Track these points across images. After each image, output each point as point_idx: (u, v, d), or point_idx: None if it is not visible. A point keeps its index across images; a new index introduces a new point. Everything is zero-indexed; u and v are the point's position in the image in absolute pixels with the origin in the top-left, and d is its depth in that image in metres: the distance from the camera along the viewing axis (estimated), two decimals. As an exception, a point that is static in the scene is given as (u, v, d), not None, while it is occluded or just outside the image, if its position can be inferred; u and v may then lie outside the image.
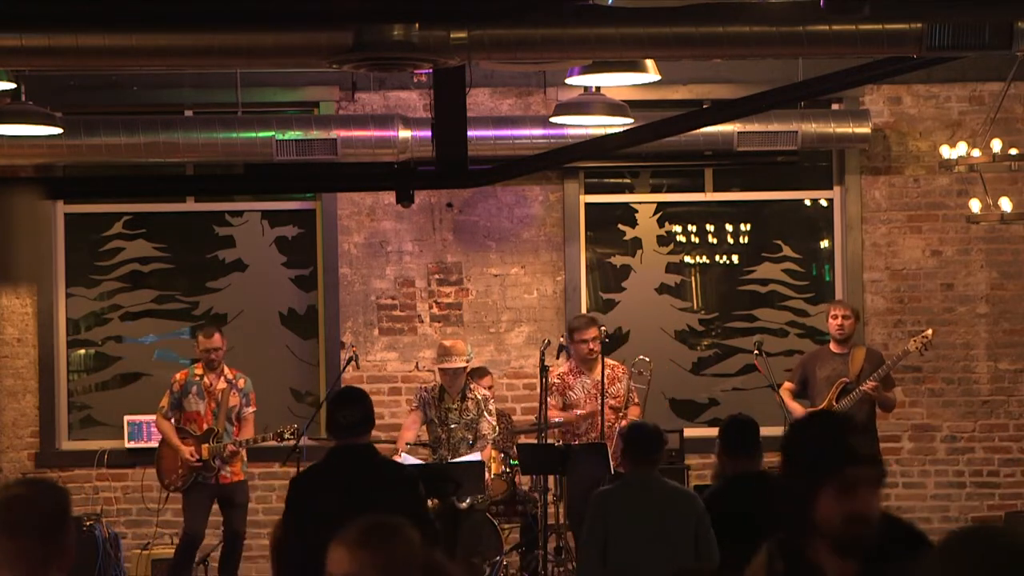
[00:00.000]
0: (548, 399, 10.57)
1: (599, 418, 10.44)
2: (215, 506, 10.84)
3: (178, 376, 10.92)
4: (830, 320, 10.72)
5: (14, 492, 3.65)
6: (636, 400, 10.67)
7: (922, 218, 11.92)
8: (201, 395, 10.78)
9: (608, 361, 10.65)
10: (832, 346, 10.73)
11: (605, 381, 10.47)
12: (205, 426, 10.74)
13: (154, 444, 11.32)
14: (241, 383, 10.88)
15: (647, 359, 10.86)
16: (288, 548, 6.88)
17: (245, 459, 10.90)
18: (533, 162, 9.80)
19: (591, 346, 10.53)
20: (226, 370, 10.88)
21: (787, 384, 10.78)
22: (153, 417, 11.29)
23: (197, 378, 10.82)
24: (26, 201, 7.86)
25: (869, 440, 10.18)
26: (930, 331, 10.78)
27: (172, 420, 10.81)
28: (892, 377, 10.73)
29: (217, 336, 10.82)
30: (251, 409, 10.88)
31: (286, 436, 10.62)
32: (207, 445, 10.67)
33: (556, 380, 10.61)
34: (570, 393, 10.63)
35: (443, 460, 10.25)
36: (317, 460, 7.51)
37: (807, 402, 10.71)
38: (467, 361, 10.53)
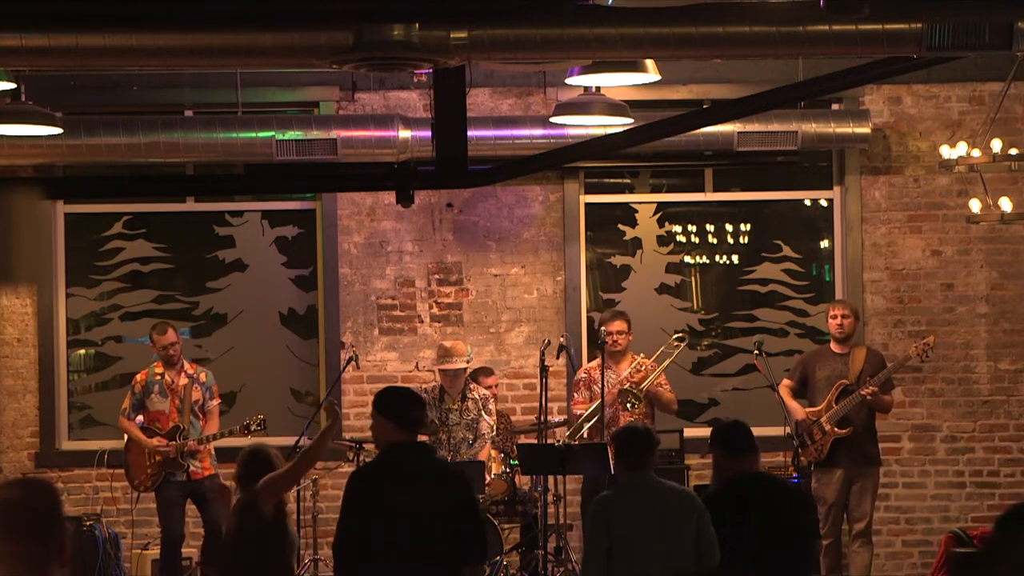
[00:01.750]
0: (575, 394, 10.72)
1: (616, 411, 10.49)
2: (191, 506, 10.82)
3: (139, 377, 10.93)
4: (830, 320, 10.71)
5: (4, 495, 3.62)
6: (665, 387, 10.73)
7: (922, 218, 11.92)
8: (164, 393, 10.79)
9: (635, 357, 10.74)
10: (833, 346, 10.73)
11: (629, 376, 10.55)
12: (171, 424, 10.74)
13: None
14: (203, 377, 10.88)
15: (683, 334, 11.03)
16: (345, 542, 6.82)
17: (213, 453, 10.87)
18: (533, 162, 9.80)
19: (615, 338, 10.63)
20: (186, 365, 10.90)
21: (786, 381, 10.78)
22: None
23: (158, 377, 10.83)
24: (26, 201, 7.85)
25: (868, 439, 9.93)
26: (931, 338, 10.78)
27: (135, 420, 10.82)
28: (891, 379, 10.73)
29: (171, 332, 10.85)
30: (215, 402, 10.90)
31: (252, 428, 10.61)
32: (174, 443, 10.66)
33: (583, 375, 10.77)
34: (595, 387, 10.69)
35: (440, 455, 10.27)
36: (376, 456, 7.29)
37: (805, 401, 10.71)
38: (467, 362, 10.56)
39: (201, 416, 10.84)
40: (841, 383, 10.51)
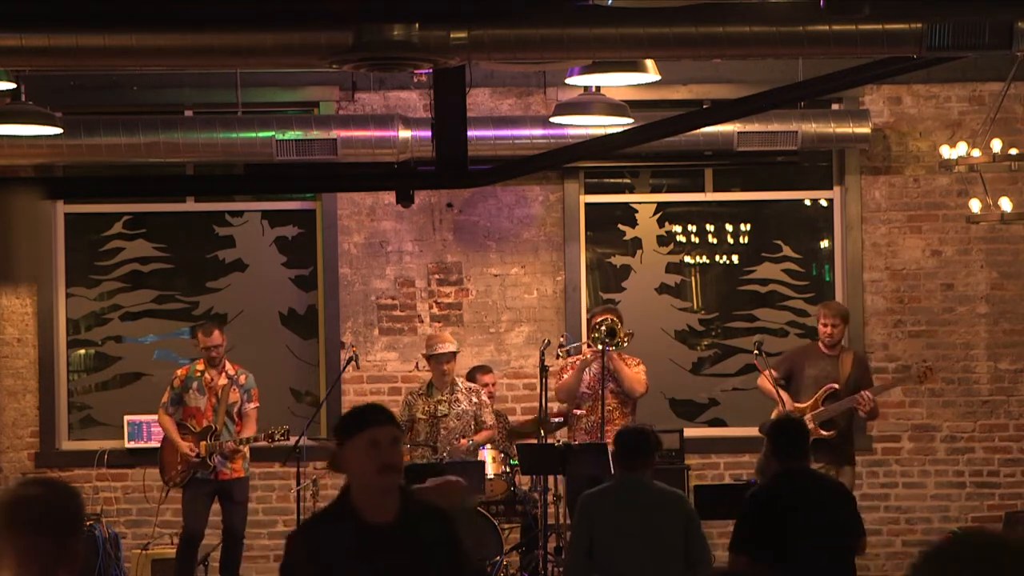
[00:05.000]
0: (563, 375, 10.71)
1: (600, 403, 10.50)
2: (216, 504, 10.84)
3: (179, 372, 10.95)
4: (820, 326, 10.71)
5: (32, 491, 3.68)
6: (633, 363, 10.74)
7: (922, 218, 11.92)
8: (202, 391, 10.79)
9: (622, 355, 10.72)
10: (821, 346, 10.75)
11: (611, 368, 10.56)
12: (204, 423, 10.74)
13: (155, 444, 11.33)
14: (243, 379, 10.88)
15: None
16: None
17: (248, 456, 10.88)
18: (533, 162, 9.80)
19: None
20: (228, 366, 10.89)
21: (770, 372, 10.76)
22: (153, 417, 11.29)
23: (199, 374, 10.83)
24: (26, 201, 7.86)
25: (846, 441, 9.75)
26: (932, 367, 10.90)
27: (173, 415, 10.84)
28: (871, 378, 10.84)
29: (217, 333, 10.84)
30: (252, 405, 10.87)
31: (276, 438, 10.61)
32: (205, 442, 10.67)
33: (568, 360, 10.78)
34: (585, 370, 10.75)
35: (440, 455, 10.30)
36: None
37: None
38: (455, 347, 10.65)
39: (237, 420, 10.83)
40: (831, 386, 10.52)
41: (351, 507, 4.80)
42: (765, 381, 10.67)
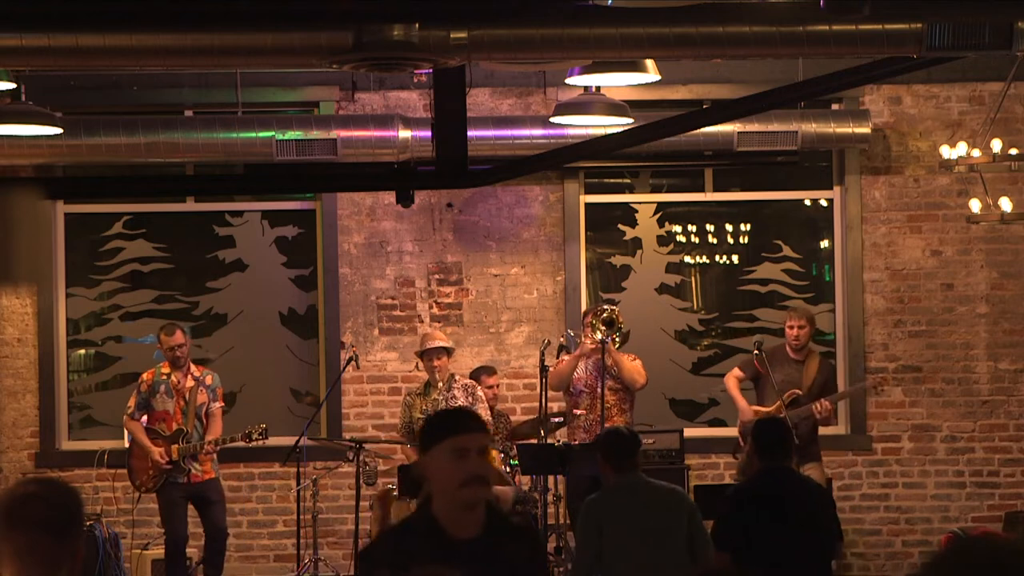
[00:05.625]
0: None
1: (599, 402, 10.51)
2: (192, 507, 10.81)
3: (145, 376, 10.90)
4: (787, 330, 10.82)
5: (32, 490, 3.67)
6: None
7: (922, 218, 11.92)
8: (170, 393, 10.76)
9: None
10: (788, 349, 10.79)
11: (608, 363, 10.57)
12: (175, 426, 10.71)
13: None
14: (208, 379, 10.85)
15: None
16: None
17: (215, 457, 10.85)
18: (533, 162, 9.80)
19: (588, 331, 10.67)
20: (193, 367, 10.87)
21: (738, 373, 10.82)
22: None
23: (165, 377, 10.80)
24: (26, 201, 7.86)
25: (810, 442, 9.82)
26: (888, 376, 10.97)
27: (140, 420, 10.80)
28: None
29: (179, 333, 10.81)
30: (218, 405, 10.84)
31: (254, 436, 10.59)
32: (177, 446, 10.64)
33: (564, 357, 10.83)
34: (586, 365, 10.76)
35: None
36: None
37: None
38: (447, 343, 10.66)
39: (205, 420, 10.81)
40: (793, 392, 10.58)
41: (433, 519, 4.42)
42: (732, 382, 10.80)
